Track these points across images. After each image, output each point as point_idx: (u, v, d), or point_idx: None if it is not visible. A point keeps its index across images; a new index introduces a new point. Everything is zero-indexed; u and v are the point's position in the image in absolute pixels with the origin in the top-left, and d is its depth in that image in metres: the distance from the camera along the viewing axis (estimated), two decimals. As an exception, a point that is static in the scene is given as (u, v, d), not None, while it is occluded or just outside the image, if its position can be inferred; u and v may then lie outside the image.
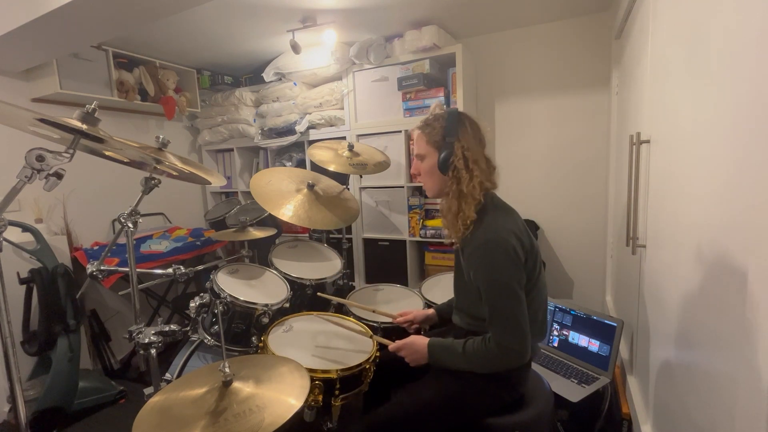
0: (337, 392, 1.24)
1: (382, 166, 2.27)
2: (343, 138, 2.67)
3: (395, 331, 1.69)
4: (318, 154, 2.20)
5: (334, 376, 1.23)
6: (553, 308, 1.98)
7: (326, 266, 2.06)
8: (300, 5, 2.11)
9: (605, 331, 1.76)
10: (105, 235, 2.74)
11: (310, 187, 1.95)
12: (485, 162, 1.22)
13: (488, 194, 1.23)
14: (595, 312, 1.84)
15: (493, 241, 1.10)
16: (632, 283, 1.57)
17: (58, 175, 0.91)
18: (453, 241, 1.25)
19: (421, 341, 1.23)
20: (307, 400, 0.94)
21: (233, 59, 2.96)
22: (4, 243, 0.90)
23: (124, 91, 2.56)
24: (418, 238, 2.60)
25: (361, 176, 2.71)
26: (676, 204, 1.02)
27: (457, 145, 1.18)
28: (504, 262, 1.09)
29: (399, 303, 1.88)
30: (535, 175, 2.65)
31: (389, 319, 1.55)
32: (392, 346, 1.27)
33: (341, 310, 1.81)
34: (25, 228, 2.06)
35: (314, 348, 1.38)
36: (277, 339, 1.41)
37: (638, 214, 1.40)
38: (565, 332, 1.93)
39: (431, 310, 1.51)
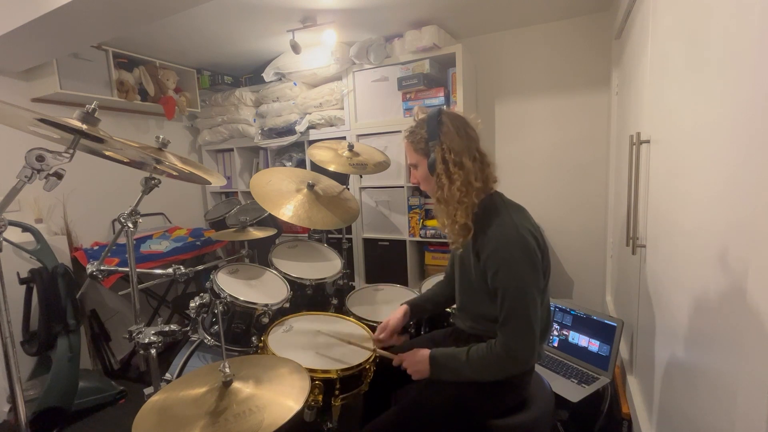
0: (337, 392, 1.24)
1: (382, 166, 2.27)
2: (343, 138, 2.66)
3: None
4: (318, 154, 2.20)
5: (334, 376, 1.23)
6: (553, 308, 1.98)
7: (326, 266, 2.06)
8: (300, 5, 2.11)
9: (605, 331, 1.76)
10: (105, 235, 2.74)
11: (310, 187, 1.94)
12: (473, 159, 1.16)
13: (496, 193, 1.21)
14: (595, 312, 1.84)
15: (514, 242, 1.07)
16: (632, 283, 1.57)
17: (58, 175, 0.91)
18: (457, 246, 1.20)
19: (422, 353, 1.20)
20: (307, 400, 0.94)
21: (233, 59, 2.96)
22: (4, 243, 0.90)
23: (124, 91, 2.56)
24: (418, 238, 2.60)
25: (361, 176, 2.71)
26: (676, 204, 1.02)
27: (437, 149, 1.15)
28: (525, 264, 1.07)
29: (399, 303, 1.87)
30: (535, 175, 2.65)
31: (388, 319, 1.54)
32: (396, 360, 1.26)
33: (341, 310, 1.81)
34: (25, 228, 2.06)
35: (314, 348, 1.37)
36: (277, 339, 1.41)
37: (638, 214, 1.40)
38: (565, 332, 1.93)
39: (404, 308, 1.42)
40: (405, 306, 1.44)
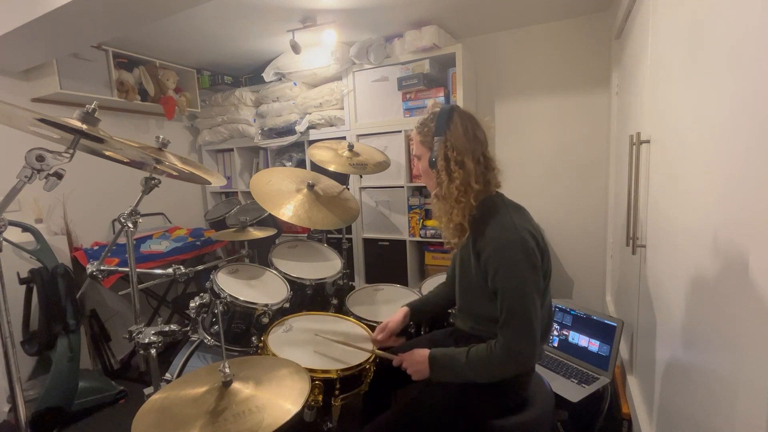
0: (337, 392, 1.24)
1: (382, 166, 2.27)
2: (343, 138, 2.66)
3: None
4: (318, 154, 2.20)
5: (334, 375, 1.23)
6: (553, 308, 1.97)
7: (326, 266, 2.06)
8: (300, 5, 2.11)
9: (605, 331, 1.76)
10: (105, 235, 2.74)
11: (310, 187, 1.94)
12: (476, 162, 1.15)
13: (497, 194, 1.21)
14: (595, 312, 1.84)
15: (514, 243, 1.07)
16: (632, 283, 1.57)
17: (58, 175, 0.91)
18: (450, 246, 1.20)
19: (421, 353, 1.19)
20: (307, 400, 0.94)
21: (233, 59, 2.96)
22: (4, 243, 0.90)
23: (124, 91, 2.56)
24: (418, 238, 2.60)
25: (361, 176, 2.71)
26: (676, 204, 1.02)
27: (440, 145, 1.14)
28: (525, 265, 1.06)
29: (399, 303, 1.86)
30: (535, 175, 2.65)
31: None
32: (396, 360, 1.25)
33: (340, 310, 1.82)
34: (25, 228, 2.06)
35: (314, 348, 1.37)
36: (277, 339, 1.40)
37: (638, 214, 1.40)
38: (565, 332, 1.93)
39: (404, 310, 1.43)
40: (405, 308, 1.44)
